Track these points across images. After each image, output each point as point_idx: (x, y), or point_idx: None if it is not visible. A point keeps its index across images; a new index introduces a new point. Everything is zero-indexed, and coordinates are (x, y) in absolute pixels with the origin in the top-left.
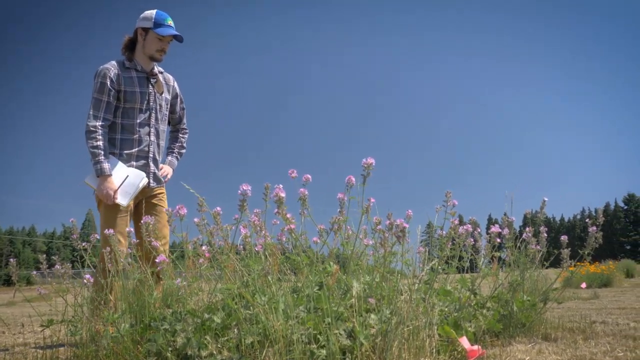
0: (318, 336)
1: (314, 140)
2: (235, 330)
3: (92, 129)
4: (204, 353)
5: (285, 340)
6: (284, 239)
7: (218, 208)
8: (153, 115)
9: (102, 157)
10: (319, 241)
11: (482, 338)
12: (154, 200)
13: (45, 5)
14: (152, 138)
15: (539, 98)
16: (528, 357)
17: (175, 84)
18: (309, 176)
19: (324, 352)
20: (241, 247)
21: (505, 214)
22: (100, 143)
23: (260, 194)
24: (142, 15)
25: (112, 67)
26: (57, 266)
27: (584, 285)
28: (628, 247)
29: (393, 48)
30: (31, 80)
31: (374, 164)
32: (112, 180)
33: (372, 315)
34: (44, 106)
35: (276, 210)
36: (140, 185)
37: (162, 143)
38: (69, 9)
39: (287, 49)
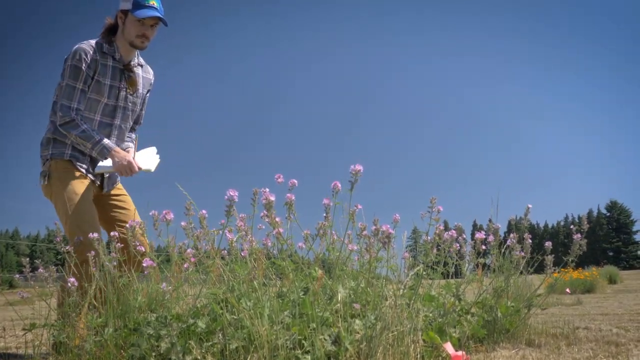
0: (303, 341)
1: (300, 146)
2: (220, 335)
3: (68, 119)
4: (188, 358)
5: (270, 346)
6: (270, 244)
7: (204, 211)
8: (119, 114)
9: (98, 136)
10: (304, 246)
11: (467, 344)
12: (114, 201)
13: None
14: (112, 139)
15: (524, 106)
16: None
17: (153, 80)
18: (295, 181)
19: (308, 357)
20: (226, 252)
21: (490, 220)
22: (86, 126)
23: (245, 199)
24: None
25: (89, 49)
26: (40, 270)
27: (568, 290)
28: (611, 254)
29: (376, 53)
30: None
31: (362, 171)
32: (121, 150)
33: (357, 321)
34: (26, 106)
35: (264, 213)
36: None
37: (124, 145)
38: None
39: (273, 53)
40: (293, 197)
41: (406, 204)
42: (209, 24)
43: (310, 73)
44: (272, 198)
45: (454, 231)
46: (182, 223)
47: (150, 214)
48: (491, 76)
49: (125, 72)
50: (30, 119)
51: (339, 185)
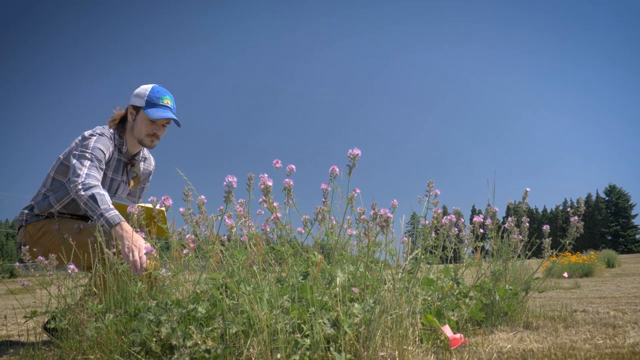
0: (302, 325)
1: (299, 132)
2: (220, 320)
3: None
4: (188, 343)
5: (270, 330)
6: (268, 229)
7: (202, 197)
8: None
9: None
10: (303, 231)
11: (465, 327)
12: None
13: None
14: None
15: (522, 91)
16: (510, 345)
17: (153, 170)
18: (293, 166)
19: (308, 341)
20: (225, 238)
21: (488, 204)
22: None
23: (244, 186)
24: (136, 90)
25: (110, 145)
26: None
27: (566, 274)
28: (609, 238)
29: (375, 40)
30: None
31: (359, 155)
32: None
33: (356, 305)
34: (27, 99)
35: (262, 199)
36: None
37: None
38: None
39: (274, 38)
40: (291, 182)
41: (406, 190)
42: (208, 12)
43: (310, 58)
44: (270, 183)
45: (452, 215)
46: (181, 209)
47: (149, 200)
48: (491, 63)
49: (129, 166)
50: (28, 112)
51: (337, 170)
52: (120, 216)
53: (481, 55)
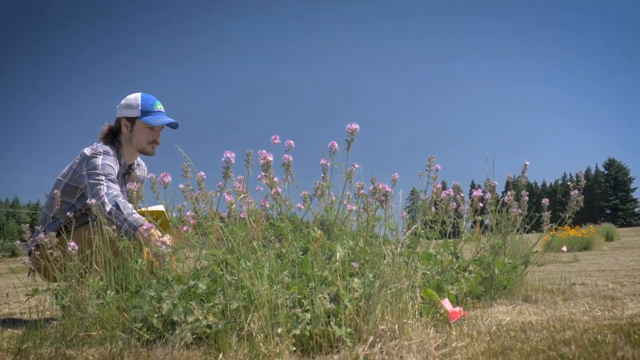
0: (302, 300)
1: (299, 108)
2: (221, 295)
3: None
4: (189, 319)
5: (270, 305)
6: (268, 205)
7: (202, 173)
8: None
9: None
10: (302, 207)
11: (464, 300)
12: None
13: None
14: None
15: (521, 65)
16: (509, 318)
17: (145, 175)
18: (292, 142)
19: (308, 315)
20: (225, 214)
21: (487, 179)
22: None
23: (244, 162)
24: (123, 102)
25: (116, 162)
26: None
27: (565, 248)
28: (608, 212)
29: (375, 20)
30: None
31: (358, 130)
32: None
33: (356, 279)
34: (26, 78)
35: (262, 174)
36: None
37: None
38: None
39: (278, 13)
40: (290, 158)
41: (406, 166)
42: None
43: (309, 37)
44: (270, 158)
45: (451, 190)
46: (180, 185)
47: (148, 176)
48: (491, 39)
49: (126, 176)
50: (30, 92)
51: (336, 145)
52: (142, 218)
53: (482, 32)
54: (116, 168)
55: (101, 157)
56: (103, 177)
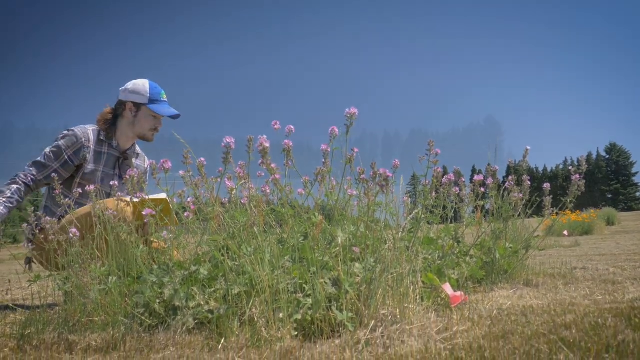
0: (304, 285)
1: (300, 94)
2: (222, 281)
3: (19, 179)
4: (191, 304)
5: (272, 290)
6: (268, 191)
7: (202, 159)
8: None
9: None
10: (303, 193)
11: (465, 285)
12: None
13: None
14: None
15: (523, 49)
16: (510, 302)
17: (147, 168)
18: (292, 127)
19: (309, 300)
20: (226, 200)
21: (489, 164)
22: (11, 194)
23: (245, 147)
24: (131, 87)
25: (84, 140)
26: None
27: (566, 232)
28: (609, 196)
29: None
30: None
31: (357, 114)
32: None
33: (357, 264)
34: (26, 66)
35: (261, 160)
36: None
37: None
38: None
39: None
40: (290, 143)
41: (407, 152)
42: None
43: (309, 23)
44: (267, 144)
45: (451, 175)
46: (180, 172)
47: (149, 162)
48: (487, 26)
49: (121, 159)
50: (31, 80)
51: (337, 130)
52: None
53: (485, 13)
54: (77, 148)
55: (59, 142)
56: (30, 162)
